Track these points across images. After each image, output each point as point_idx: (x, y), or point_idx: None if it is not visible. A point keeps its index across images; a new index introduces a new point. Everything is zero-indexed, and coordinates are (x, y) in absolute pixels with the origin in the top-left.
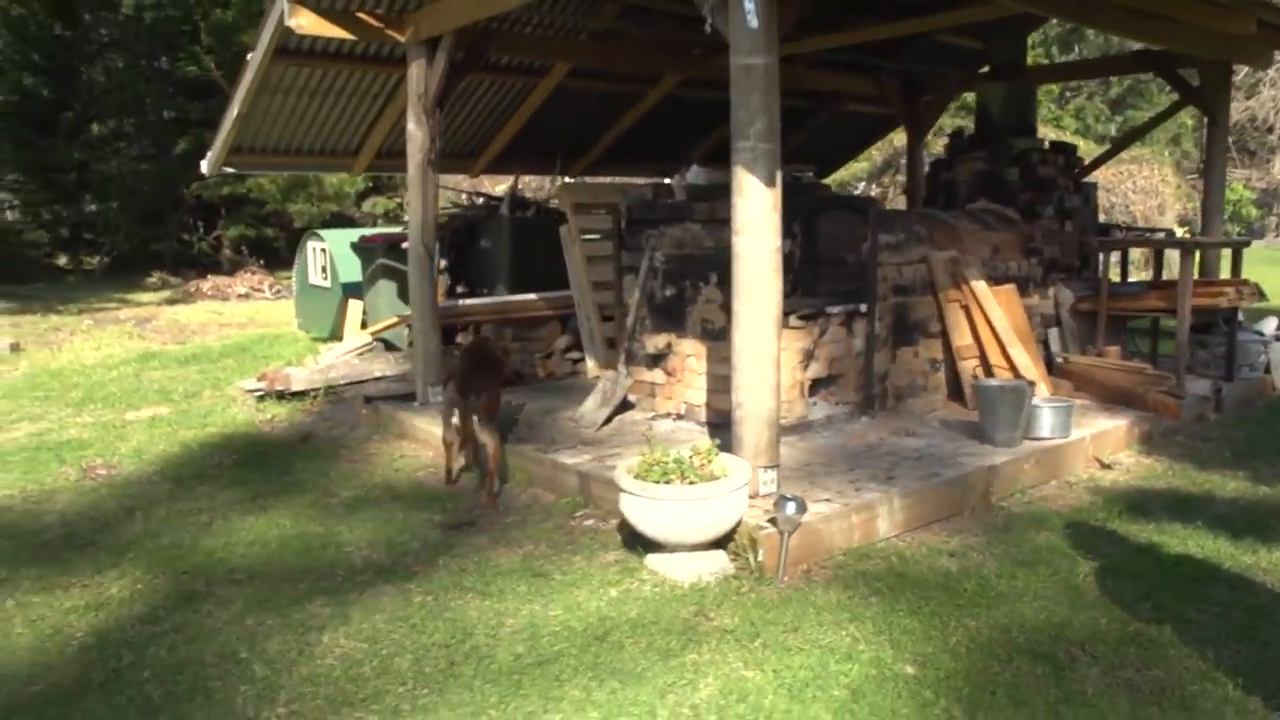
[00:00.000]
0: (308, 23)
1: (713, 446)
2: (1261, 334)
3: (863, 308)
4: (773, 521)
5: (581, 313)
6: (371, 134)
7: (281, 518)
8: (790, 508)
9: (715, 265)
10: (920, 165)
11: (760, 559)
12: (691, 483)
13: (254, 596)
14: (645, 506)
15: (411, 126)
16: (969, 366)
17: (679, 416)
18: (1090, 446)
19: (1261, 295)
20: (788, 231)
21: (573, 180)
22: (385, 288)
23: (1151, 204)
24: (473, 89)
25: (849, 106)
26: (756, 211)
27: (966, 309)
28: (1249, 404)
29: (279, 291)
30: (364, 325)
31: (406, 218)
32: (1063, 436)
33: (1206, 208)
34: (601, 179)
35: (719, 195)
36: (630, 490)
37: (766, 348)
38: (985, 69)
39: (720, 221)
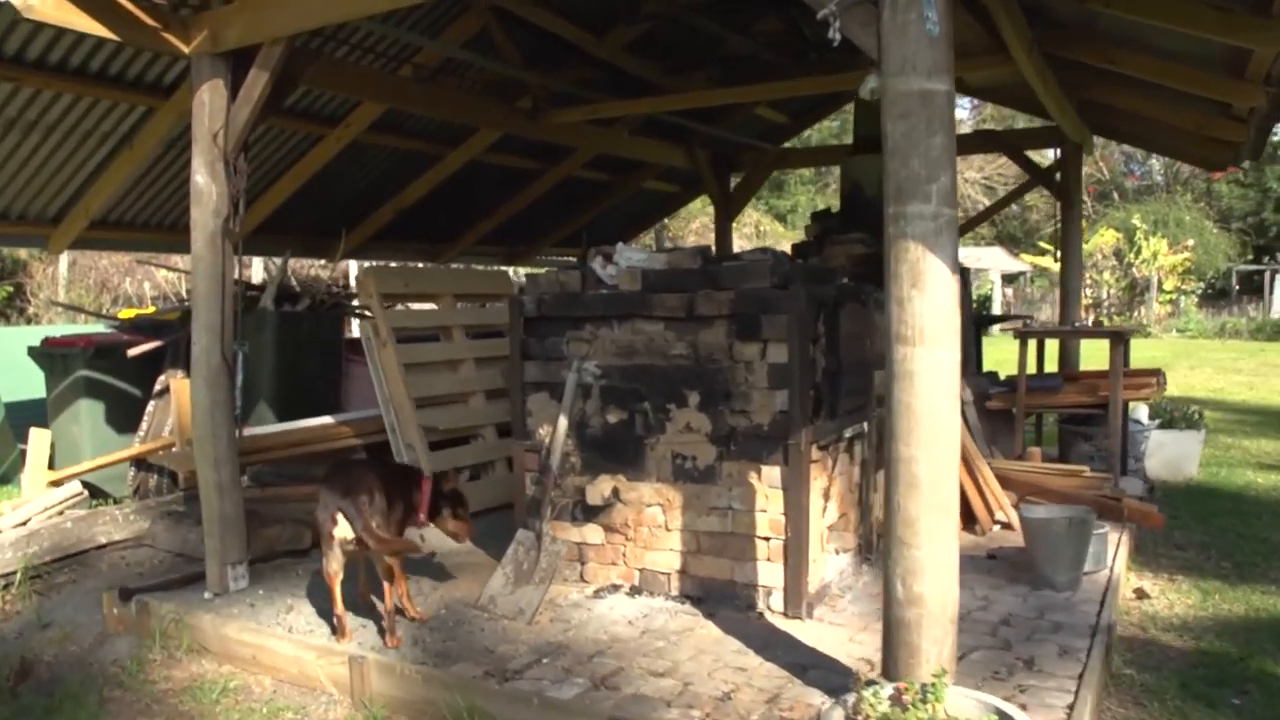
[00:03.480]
0: (46, 5)
1: (940, 677)
2: (1141, 423)
3: (866, 426)
4: None
5: (398, 439)
6: (86, 194)
7: None
8: None
9: (694, 380)
10: (730, 249)
11: None
12: None
13: None
14: None
15: (201, 179)
16: None
17: (635, 590)
18: (1119, 574)
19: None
20: (812, 332)
21: (378, 264)
22: (88, 411)
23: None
24: None
25: (645, 182)
26: (939, 310)
27: None
28: (1167, 500)
29: None
30: (52, 465)
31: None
32: (1104, 567)
33: (1065, 291)
34: (374, 262)
35: (694, 284)
36: None
37: (950, 508)
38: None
39: (700, 320)
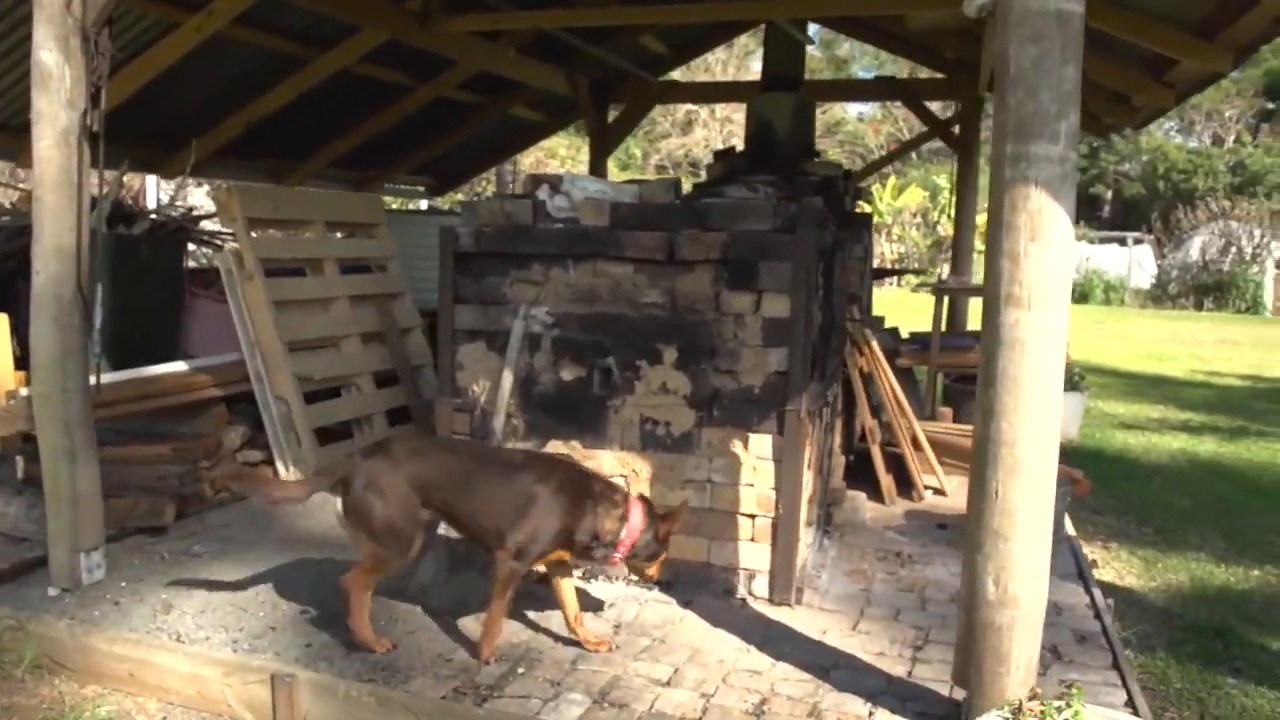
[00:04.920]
0: None
1: (1075, 695)
2: None
3: (837, 388)
4: None
5: (265, 390)
6: None
7: None
8: None
9: (671, 334)
10: None
11: None
12: None
13: None
14: None
15: (48, 58)
16: (878, 453)
17: (592, 574)
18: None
19: None
20: (815, 284)
21: (241, 183)
22: None
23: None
24: None
25: (515, 108)
26: (1058, 268)
27: (866, 377)
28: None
29: None
30: None
31: None
32: (1061, 539)
33: (957, 248)
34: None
35: (676, 222)
36: None
37: (1050, 498)
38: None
39: (682, 264)
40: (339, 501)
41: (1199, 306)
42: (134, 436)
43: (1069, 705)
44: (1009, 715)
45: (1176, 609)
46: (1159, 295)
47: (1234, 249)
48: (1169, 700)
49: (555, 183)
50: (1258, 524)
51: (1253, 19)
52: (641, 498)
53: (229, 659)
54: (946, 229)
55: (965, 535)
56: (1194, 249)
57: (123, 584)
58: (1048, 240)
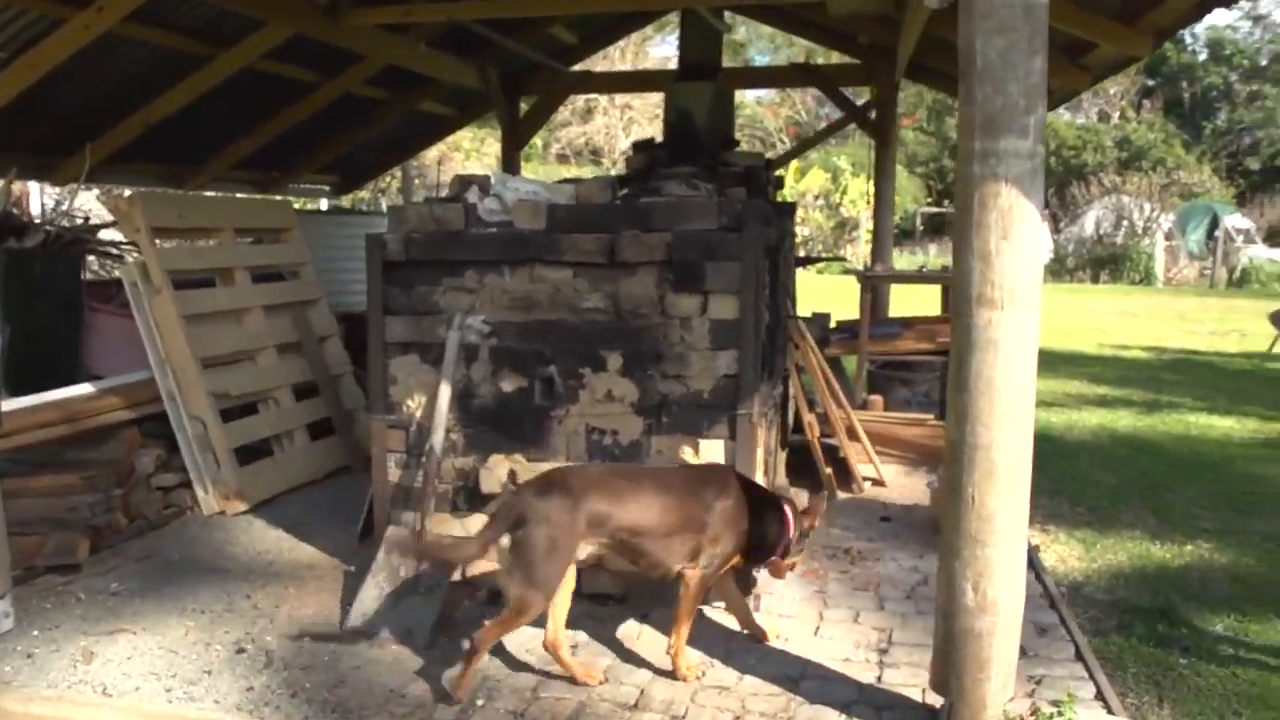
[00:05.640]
0: None
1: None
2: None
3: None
4: None
5: (179, 410)
6: None
7: None
8: None
9: (615, 340)
10: None
11: None
12: None
13: None
14: None
15: None
16: (818, 447)
17: None
18: None
19: None
20: (763, 282)
21: (143, 190)
22: None
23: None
24: None
25: (423, 103)
26: (1029, 266)
27: (799, 368)
28: None
29: None
30: None
31: None
32: None
33: (878, 231)
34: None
35: (616, 223)
36: None
37: (1026, 499)
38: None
39: (624, 266)
40: (504, 541)
41: (1095, 279)
42: (38, 467)
43: (1061, 714)
44: None
45: (1121, 591)
46: (1057, 269)
47: (1126, 223)
48: (1127, 686)
49: (484, 184)
50: (1183, 497)
51: (1177, 2)
52: (786, 498)
53: (164, 711)
54: (849, 210)
55: (941, 538)
56: (1089, 223)
57: (35, 633)
58: (1019, 238)
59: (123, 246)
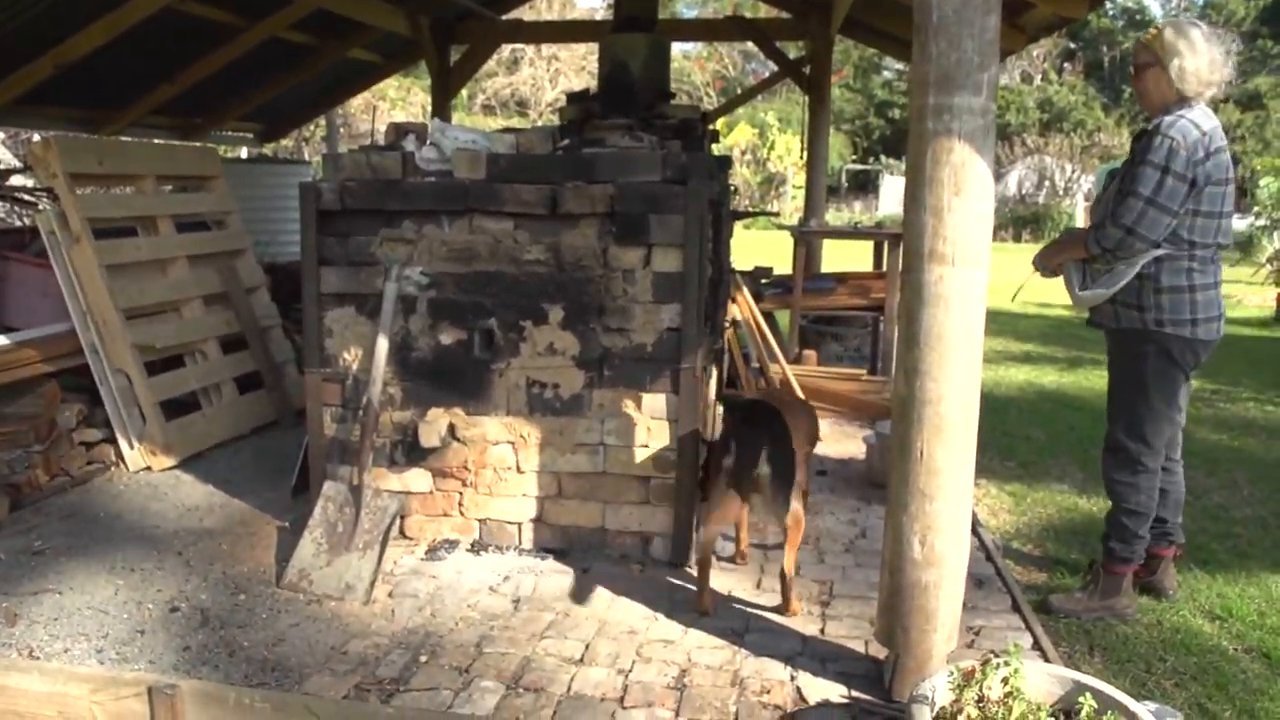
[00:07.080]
0: None
1: (1014, 653)
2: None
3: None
4: None
5: (102, 363)
6: None
7: None
8: None
9: (556, 292)
10: None
11: None
12: None
13: None
14: None
15: None
16: None
17: (479, 545)
18: None
19: None
20: (707, 236)
21: (60, 134)
22: None
23: None
24: None
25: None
26: (980, 222)
27: (735, 326)
28: None
29: None
30: None
31: None
32: None
33: (811, 187)
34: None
35: (559, 174)
36: None
37: (972, 452)
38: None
39: (566, 218)
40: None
41: (1018, 239)
42: None
43: (1007, 664)
44: (960, 679)
45: (1051, 543)
46: None
47: (1047, 183)
48: (1060, 636)
49: (422, 133)
50: None
51: None
52: None
53: (96, 673)
54: (777, 166)
55: (887, 492)
56: (1011, 183)
57: None
58: (970, 194)
59: (36, 193)
